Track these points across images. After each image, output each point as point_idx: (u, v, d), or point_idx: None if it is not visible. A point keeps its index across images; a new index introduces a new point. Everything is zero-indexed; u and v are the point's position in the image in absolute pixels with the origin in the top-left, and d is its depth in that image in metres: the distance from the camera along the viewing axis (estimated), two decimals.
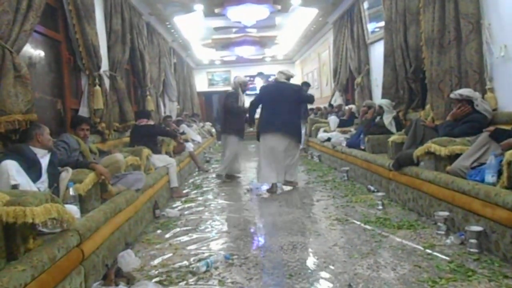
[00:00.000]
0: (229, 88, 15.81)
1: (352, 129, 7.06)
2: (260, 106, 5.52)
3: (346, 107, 8.13)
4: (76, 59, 4.55)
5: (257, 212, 4.37)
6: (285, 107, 5.17)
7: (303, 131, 7.08)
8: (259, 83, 15.99)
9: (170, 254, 3.10)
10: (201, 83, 15.67)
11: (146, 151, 4.73)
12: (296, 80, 8.17)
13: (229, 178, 6.39)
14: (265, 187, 5.45)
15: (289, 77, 5.46)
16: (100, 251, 2.69)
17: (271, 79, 15.82)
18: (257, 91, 16.55)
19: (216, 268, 2.74)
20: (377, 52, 6.80)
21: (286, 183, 5.38)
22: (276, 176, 5.23)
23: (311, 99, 5.69)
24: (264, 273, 2.66)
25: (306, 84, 9.46)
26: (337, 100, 9.51)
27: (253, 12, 7.91)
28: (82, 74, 4.73)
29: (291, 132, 5.25)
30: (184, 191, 5.55)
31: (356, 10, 7.49)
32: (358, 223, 3.63)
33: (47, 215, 2.03)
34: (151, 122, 5.91)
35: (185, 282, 2.57)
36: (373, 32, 7.08)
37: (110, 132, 5.05)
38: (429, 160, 3.73)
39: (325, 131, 7.95)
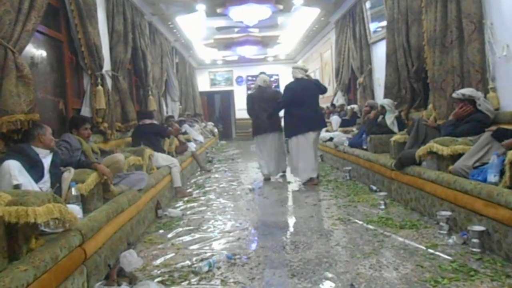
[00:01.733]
0: (232, 88, 16.00)
1: (354, 129, 7.05)
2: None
3: (348, 107, 8.12)
4: (78, 59, 4.55)
5: (259, 211, 4.37)
6: (312, 103, 5.50)
7: None
8: None
9: (173, 254, 3.10)
10: (203, 83, 15.66)
11: (148, 151, 4.74)
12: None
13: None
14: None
15: (306, 71, 5.74)
16: (102, 251, 2.69)
17: (273, 79, 15.91)
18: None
19: (218, 268, 2.75)
20: (379, 52, 6.79)
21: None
22: (312, 170, 5.55)
23: (326, 90, 5.95)
24: (266, 273, 2.66)
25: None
26: (339, 100, 9.49)
27: (255, 12, 7.92)
28: (84, 74, 4.73)
29: (320, 126, 5.69)
30: (187, 191, 5.55)
31: (358, 10, 7.48)
32: (361, 222, 3.63)
33: (49, 215, 2.04)
34: (155, 122, 6.05)
35: (187, 282, 2.57)
36: (375, 31, 7.06)
37: (112, 132, 5.05)
38: (431, 160, 3.72)
39: (327, 130, 7.95)
